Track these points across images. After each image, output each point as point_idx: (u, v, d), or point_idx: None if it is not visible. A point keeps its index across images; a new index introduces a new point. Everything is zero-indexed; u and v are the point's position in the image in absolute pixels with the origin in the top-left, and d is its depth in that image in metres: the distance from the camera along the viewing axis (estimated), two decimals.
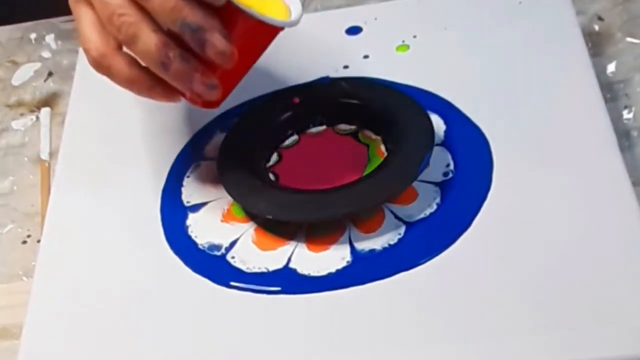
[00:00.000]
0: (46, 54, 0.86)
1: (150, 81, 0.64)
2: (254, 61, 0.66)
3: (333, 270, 0.64)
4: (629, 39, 0.77)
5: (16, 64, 0.86)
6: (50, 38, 0.87)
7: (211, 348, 0.62)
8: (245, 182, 0.68)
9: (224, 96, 0.65)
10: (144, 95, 0.65)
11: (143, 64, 0.64)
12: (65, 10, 0.86)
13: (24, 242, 0.73)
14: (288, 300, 0.63)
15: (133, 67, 0.64)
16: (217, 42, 0.61)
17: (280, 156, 0.72)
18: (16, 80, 0.85)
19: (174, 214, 0.69)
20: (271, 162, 0.71)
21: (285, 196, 0.67)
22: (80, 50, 0.80)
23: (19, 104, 0.83)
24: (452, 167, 0.68)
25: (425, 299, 0.62)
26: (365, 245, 0.65)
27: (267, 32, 0.65)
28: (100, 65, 0.64)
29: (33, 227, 0.74)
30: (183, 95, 0.65)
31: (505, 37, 0.75)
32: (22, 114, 0.82)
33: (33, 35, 0.87)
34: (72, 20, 0.86)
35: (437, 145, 0.69)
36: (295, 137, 0.73)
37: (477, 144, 0.69)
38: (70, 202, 0.71)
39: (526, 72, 0.73)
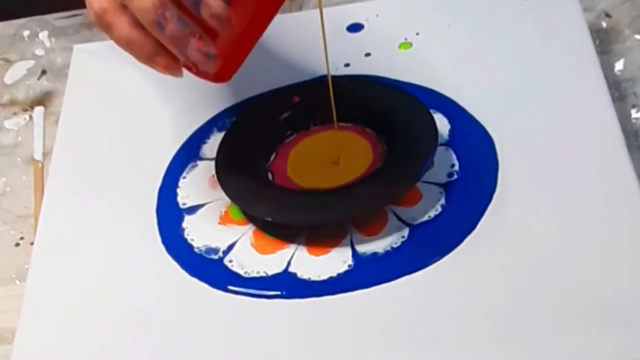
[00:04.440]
0: (40, 52, 0.86)
1: (151, 47, 0.62)
2: (259, 33, 0.64)
3: (334, 274, 0.64)
4: (637, 36, 0.77)
5: (9, 62, 0.85)
6: (43, 35, 0.86)
7: (209, 354, 0.62)
8: (244, 183, 0.68)
9: (232, 69, 0.63)
10: (144, 62, 0.63)
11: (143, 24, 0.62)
12: (60, 7, 0.86)
13: (17, 244, 0.73)
14: (288, 305, 0.63)
15: (135, 28, 0.62)
16: (212, 2, 0.60)
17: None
18: (9, 78, 0.84)
19: (169, 216, 0.68)
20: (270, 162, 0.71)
21: (285, 198, 0.67)
22: (75, 47, 0.81)
23: (12, 102, 0.83)
24: (457, 167, 0.68)
25: (429, 303, 0.61)
26: (368, 248, 0.65)
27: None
28: (101, 21, 0.63)
29: (26, 229, 0.73)
30: (190, 69, 0.63)
31: (510, 34, 0.75)
32: (15, 113, 0.82)
33: (26, 33, 0.87)
34: (66, 17, 0.86)
35: (442, 145, 0.69)
36: (294, 137, 0.72)
37: (482, 144, 0.69)
38: (64, 204, 0.71)
39: (532, 70, 0.73)
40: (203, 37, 0.61)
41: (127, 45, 0.63)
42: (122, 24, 0.62)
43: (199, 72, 0.63)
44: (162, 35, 0.61)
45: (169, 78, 0.76)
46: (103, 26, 0.63)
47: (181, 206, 0.69)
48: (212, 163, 0.70)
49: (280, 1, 0.63)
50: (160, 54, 0.62)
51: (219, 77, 0.64)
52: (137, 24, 0.62)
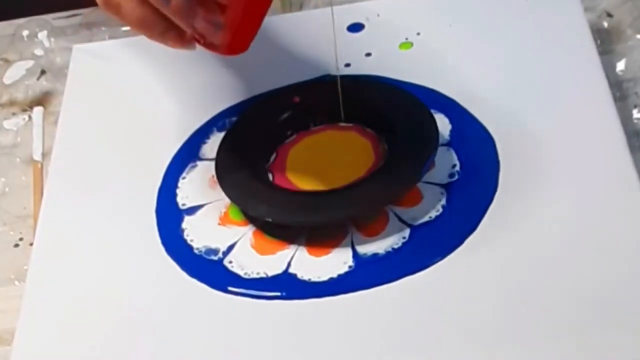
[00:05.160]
0: (39, 52, 0.85)
1: (162, 24, 0.62)
2: (267, 3, 0.63)
3: (335, 275, 0.63)
4: (638, 36, 0.77)
5: (8, 62, 0.85)
6: (43, 35, 0.86)
7: (209, 355, 0.61)
8: (244, 183, 0.68)
9: (245, 40, 0.63)
10: (156, 40, 0.63)
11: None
12: (59, 7, 0.86)
13: (16, 245, 0.72)
14: (288, 307, 0.62)
15: (145, 7, 0.61)
16: None
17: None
18: (8, 78, 0.84)
19: (169, 217, 0.68)
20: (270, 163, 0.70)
21: (285, 198, 0.67)
22: (74, 47, 0.80)
23: (11, 103, 0.82)
24: (458, 168, 0.67)
25: (430, 304, 0.61)
26: (368, 249, 0.64)
27: None
28: (109, 4, 0.62)
29: (25, 229, 0.73)
30: (198, 41, 0.63)
31: (511, 34, 0.75)
32: (14, 114, 0.81)
33: (25, 32, 0.86)
34: (66, 17, 0.86)
35: (443, 145, 0.69)
36: (295, 137, 0.72)
37: (483, 144, 0.68)
38: (63, 204, 0.71)
39: (533, 70, 0.72)
40: (209, 7, 0.60)
41: (137, 24, 0.62)
42: (130, 3, 0.61)
43: (211, 45, 0.62)
44: (168, 8, 0.60)
45: (169, 78, 0.76)
46: (111, 8, 0.62)
47: (181, 207, 0.69)
48: (212, 163, 0.69)
49: None
50: (171, 29, 0.62)
51: (232, 48, 0.63)
52: (145, 2, 0.61)
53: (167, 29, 0.62)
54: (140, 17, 0.62)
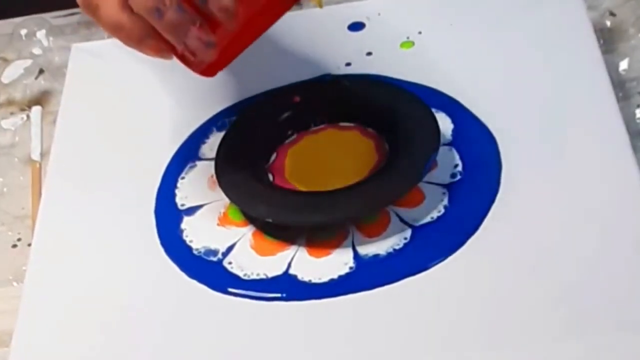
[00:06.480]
0: (37, 51, 0.85)
1: (141, 31, 0.60)
2: (260, 32, 0.64)
3: (335, 276, 0.63)
4: None
5: (6, 61, 0.85)
6: (41, 34, 0.86)
7: (208, 356, 0.61)
8: (244, 183, 0.67)
9: (222, 64, 0.63)
10: (132, 47, 0.62)
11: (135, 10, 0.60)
12: (57, 6, 0.85)
13: (14, 245, 0.72)
14: (288, 308, 0.62)
15: (124, 11, 0.60)
16: None
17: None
18: (6, 77, 0.84)
19: (168, 217, 0.68)
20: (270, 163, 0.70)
21: (285, 198, 0.66)
22: (73, 47, 0.80)
23: (9, 102, 0.82)
24: (460, 168, 0.67)
25: (431, 305, 0.61)
26: (369, 250, 0.64)
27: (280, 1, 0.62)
28: (88, 5, 0.61)
29: (24, 230, 0.73)
30: (175, 53, 0.62)
31: (513, 33, 0.75)
32: (12, 113, 0.81)
33: (24, 31, 0.86)
34: (64, 16, 0.85)
35: (445, 145, 0.69)
36: (295, 137, 0.71)
37: (485, 144, 0.68)
38: (62, 205, 0.71)
39: (535, 69, 0.72)
40: (202, 25, 0.60)
41: (115, 28, 0.61)
42: (110, 6, 0.60)
43: (191, 62, 0.62)
44: (160, 22, 0.59)
45: (168, 77, 0.76)
46: (90, 9, 0.61)
47: (180, 207, 0.68)
48: (211, 163, 0.69)
49: (289, 5, 0.62)
50: (150, 37, 0.61)
51: (208, 70, 0.63)
52: (125, 6, 0.60)
53: (145, 36, 0.61)
54: (118, 21, 0.60)
